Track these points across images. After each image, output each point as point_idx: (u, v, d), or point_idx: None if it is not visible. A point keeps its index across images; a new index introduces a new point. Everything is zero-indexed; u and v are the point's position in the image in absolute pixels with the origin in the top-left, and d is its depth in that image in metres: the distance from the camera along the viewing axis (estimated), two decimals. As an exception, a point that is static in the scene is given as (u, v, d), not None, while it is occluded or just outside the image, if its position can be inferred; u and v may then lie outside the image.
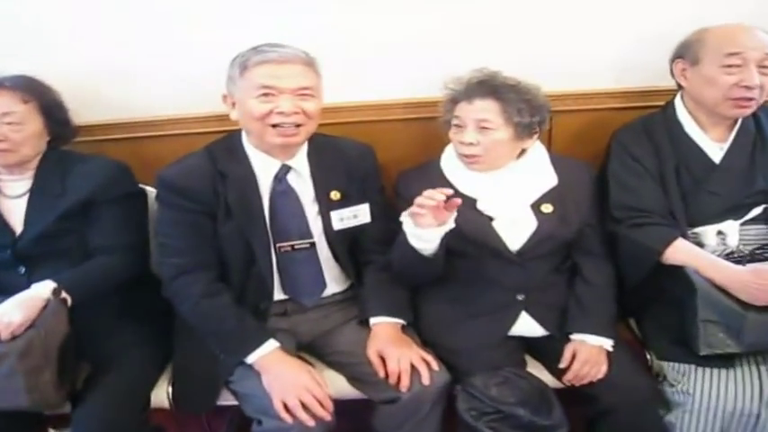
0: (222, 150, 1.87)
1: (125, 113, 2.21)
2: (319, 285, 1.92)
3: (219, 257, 1.83)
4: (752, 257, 1.82)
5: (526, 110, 1.81)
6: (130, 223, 1.95)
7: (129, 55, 2.15)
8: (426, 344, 1.85)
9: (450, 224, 1.72)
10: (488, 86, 1.83)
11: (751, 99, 1.81)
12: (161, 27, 2.12)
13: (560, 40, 2.16)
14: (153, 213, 1.99)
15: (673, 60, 1.93)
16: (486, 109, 1.81)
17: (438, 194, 1.64)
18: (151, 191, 2.01)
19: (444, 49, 2.13)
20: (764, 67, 1.79)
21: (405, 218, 1.73)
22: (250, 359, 1.73)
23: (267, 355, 1.73)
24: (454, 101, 1.88)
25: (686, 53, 1.87)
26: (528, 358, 1.93)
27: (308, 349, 1.94)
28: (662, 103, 2.04)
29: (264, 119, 1.73)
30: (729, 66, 1.78)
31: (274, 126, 1.74)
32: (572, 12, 2.13)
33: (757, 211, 1.88)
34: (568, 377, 1.79)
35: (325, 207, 1.89)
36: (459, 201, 1.66)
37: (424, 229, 1.70)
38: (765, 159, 1.90)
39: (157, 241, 1.90)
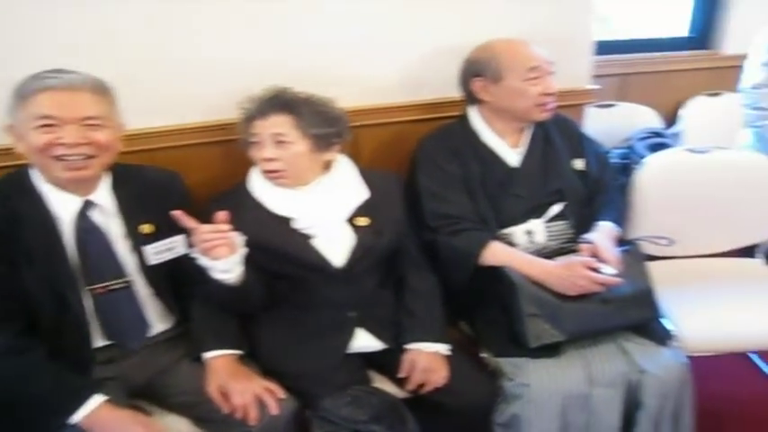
0: (10, 189, 1.66)
1: None
2: (143, 326, 1.77)
3: (25, 307, 1.61)
4: (560, 252, 1.97)
5: (321, 121, 1.83)
6: None
7: None
8: (267, 372, 1.77)
9: (242, 249, 1.68)
10: (281, 101, 1.83)
11: (551, 103, 1.99)
12: None
13: (355, 57, 2.20)
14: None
15: (469, 79, 2.04)
16: (280, 123, 1.80)
17: (223, 227, 1.62)
18: None
19: (241, 71, 2.07)
20: (551, 73, 1.99)
21: (196, 254, 1.66)
22: (75, 419, 1.53)
23: (94, 412, 1.54)
24: (249, 119, 1.85)
25: (484, 71, 1.99)
26: (373, 374, 1.91)
27: (144, 395, 1.77)
28: (452, 113, 2.17)
29: (45, 151, 1.57)
30: (532, 78, 1.95)
31: (59, 159, 1.58)
32: (362, 33, 2.19)
33: (556, 209, 2.05)
34: (410, 386, 1.80)
35: (138, 242, 1.75)
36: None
37: (220, 260, 1.64)
38: (555, 161, 2.08)
39: (-56, 298, 1.62)
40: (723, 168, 2.46)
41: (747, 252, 2.60)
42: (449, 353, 1.87)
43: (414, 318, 1.89)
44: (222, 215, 1.63)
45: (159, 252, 1.78)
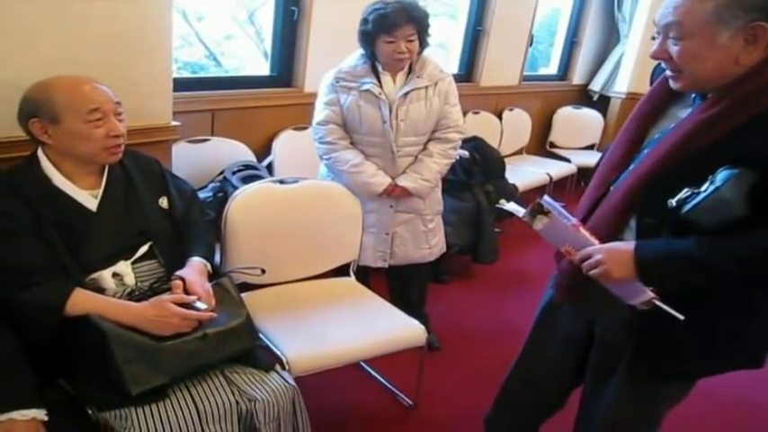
0: None
1: None
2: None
3: None
4: (152, 292, 1.91)
5: None
6: None
7: None
8: None
9: None
10: None
11: (120, 145, 1.93)
12: None
13: None
14: None
15: (26, 119, 1.87)
16: None
17: None
18: None
19: None
20: (117, 114, 1.92)
21: None
22: None
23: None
24: None
25: (40, 113, 1.84)
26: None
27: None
28: (22, 153, 1.98)
29: None
30: (94, 120, 1.86)
31: None
32: None
33: (144, 249, 2.01)
34: None
35: None
36: None
37: None
38: (138, 201, 2.03)
39: None
40: (309, 197, 2.65)
41: (343, 271, 2.81)
42: (46, 418, 1.66)
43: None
44: None
45: None
